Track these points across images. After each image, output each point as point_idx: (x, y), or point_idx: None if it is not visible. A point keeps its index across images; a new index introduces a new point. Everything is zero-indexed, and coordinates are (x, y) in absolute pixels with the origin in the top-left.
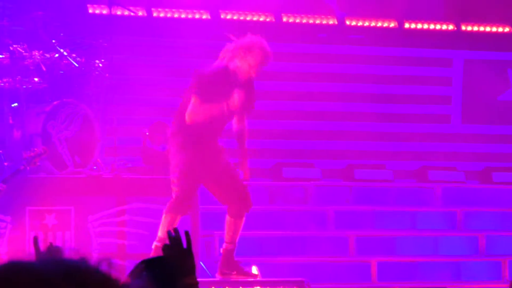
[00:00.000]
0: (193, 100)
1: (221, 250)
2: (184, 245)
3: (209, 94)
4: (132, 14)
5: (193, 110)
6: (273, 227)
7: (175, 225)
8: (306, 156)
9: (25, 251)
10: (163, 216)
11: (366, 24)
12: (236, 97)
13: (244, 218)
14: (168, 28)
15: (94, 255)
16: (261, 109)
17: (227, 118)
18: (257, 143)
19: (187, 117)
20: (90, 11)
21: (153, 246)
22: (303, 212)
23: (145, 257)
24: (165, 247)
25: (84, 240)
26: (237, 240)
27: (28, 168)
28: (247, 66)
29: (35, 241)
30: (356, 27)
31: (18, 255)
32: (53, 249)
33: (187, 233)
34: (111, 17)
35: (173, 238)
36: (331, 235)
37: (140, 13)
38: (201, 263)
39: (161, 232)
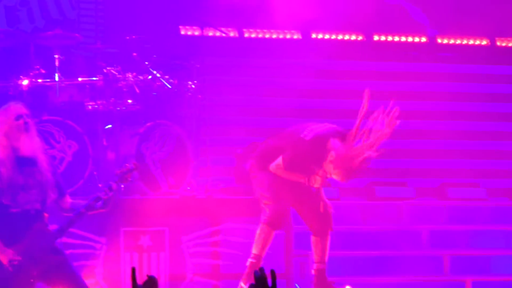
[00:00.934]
0: (280, 160)
1: (313, 271)
2: (269, 283)
3: (294, 165)
4: (223, 35)
5: (276, 169)
6: (367, 247)
7: (270, 241)
8: (399, 175)
9: (120, 273)
10: (258, 231)
11: (458, 42)
12: (317, 181)
13: (329, 237)
14: (259, 48)
15: (188, 276)
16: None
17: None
18: None
19: (270, 167)
20: (183, 32)
21: (247, 263)
22: (397, 232)
23: (239, 277)
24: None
25: (178, 261)
26: (326, 259)
27: (120, 184)
28: (329, 171)
29: (133, 272)
30: (447, 45)
31: (113, 277)
32: (150, 282)
33: (272, 272)
34: (203, 38)
35: (259, 277)
36: (425, 254)
37: (231, 34)
38: (296, 285)
39: (255, 249)
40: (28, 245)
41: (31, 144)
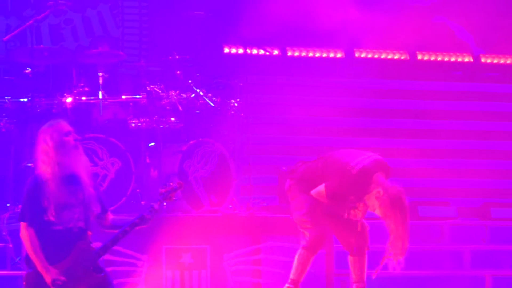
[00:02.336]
0: (322, 188)
1: None
2: None
3: (337, 196)
4: (267, 53)
5: (317, 196)
6: (409, 267)
7: (308, 266)
8: (442, 195)
9: None
10: (297, 256)
11: (502, 61)
12: (358, 214)
13: (366, 256)
14: (302, 67)
15: None
16: (399, 146)
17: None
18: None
19: (312, 193)
20: (226, 51)
21: None
22: (439, 251)
23: None
24: None
25: (220, 279)
26: (365, 278)
27: (164, 203)
28: (371, 205)
29: None
30: (491, 64)
31: None
32: None
33: None
34: (246, 57)
35: None
36: (467, 274)
37: (275, 53)
38: None
39: (293, 274)
40: (71, 264)
41: (77, 162)
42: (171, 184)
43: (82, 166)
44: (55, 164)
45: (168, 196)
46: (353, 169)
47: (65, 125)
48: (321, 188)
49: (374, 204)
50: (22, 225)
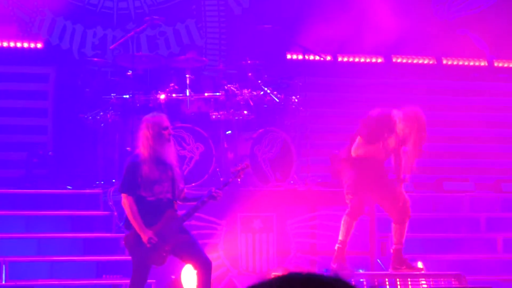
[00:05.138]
0: (358, 139)
1: (392, 250)
2: None
3: (370, 136)
4: (322, 59)
5: (357, 147)
6: (435, 230)
7: (352, 229)
8: (462, 172)
9: (237, 249)
10: (342, 221)
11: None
12: (392, 143)
13: (406, 224)
14: (350, 70)
15: (292, 252)
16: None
17: (387, 154)
18: (423, 162)
19: (352, 151)
20: (288, 57)
21: (335, 248)
22: (459, 218)
23: (332, 253)
24: None
25: (284, 240)
26: (403, 241)
27: (236, 179)
28: (408, 132)
29: None
30: (503, 68)
31: (231, 252)
32: None
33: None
34: (304, 62)
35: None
36: (482, 236)
37: (328, 58)
38: (378, 260)
39: (341, 236)
40: (161, 227)
41: (168, 149)
42: (240, 165)
43: (171, 152)
44: (151, 148)
45: (238, 174)
46: (373, 113)
47: (165, 120)
48: (358, 140)
49: (400, 129)
50: (123, 195)
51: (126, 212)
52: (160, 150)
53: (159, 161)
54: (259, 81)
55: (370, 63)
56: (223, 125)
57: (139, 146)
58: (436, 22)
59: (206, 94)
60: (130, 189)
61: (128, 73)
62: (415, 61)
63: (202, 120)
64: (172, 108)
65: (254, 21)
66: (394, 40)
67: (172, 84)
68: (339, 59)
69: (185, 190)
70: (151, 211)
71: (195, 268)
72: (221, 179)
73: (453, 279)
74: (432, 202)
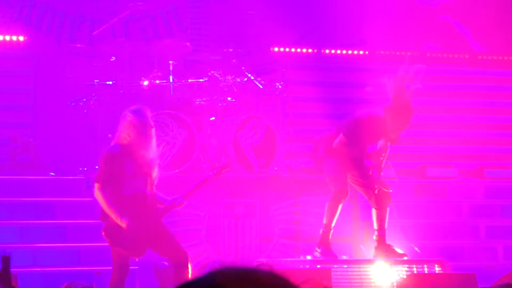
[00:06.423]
0: (341, 136)
1: (374, 237)
2: None
3: (352, 139)
4: (306, 50)
5: (338, 144)
6: (418, 217)
7: (337, 213)
8: (446, 159)
9: (220, 235)
10: (326, 206)
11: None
12: (376, 144)
13: (387, 210)
14: (331, 61)
15: (275, 239)
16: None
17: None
18: (406, 148)
19: (334, 146)
20: (273, 47)
21: (320, 232)
22: (443, 204)
23: (316, 240)
24: None
25: (267, 226)
26: (385, 227)
27: (215, 177)
28: (393, 127)
29: None
30: (486, 53)
31: (214, 238)
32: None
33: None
34: (290, 54)
35: None
36: (465, 223)
37: (310, 51)
38: (361, 246)
39: (325, 219)
40: (138, 221)
41: (148, 146)
42: (219, 165)
43: (151, 147)
44: (131, 141)
45: (218, 173)
46: (358, 115)
47: (147, 114)
48: (339, 137)
49: (385, 130)
50: (96, 185)
51: (100, 203)
52: (140, 144)
53: (138, 155)
54: (243, 68)
55: (352, 55)
56: (206, 111)
57: (118, 137)
58: (418, 9)
59: (189, 80)
60: (105, 179)
61: (112, 59)
62: (397, 53)
63: (185, 107)
64: (156, 95)
65: (240, 7)
66: (376, 33)
67: (156, 70)
68: (322, 51)
69: (155, 193)
70: (127, 205)
71: (172, 262)
72: (204, 165)
73: (436, 265)
74: (414, 188)
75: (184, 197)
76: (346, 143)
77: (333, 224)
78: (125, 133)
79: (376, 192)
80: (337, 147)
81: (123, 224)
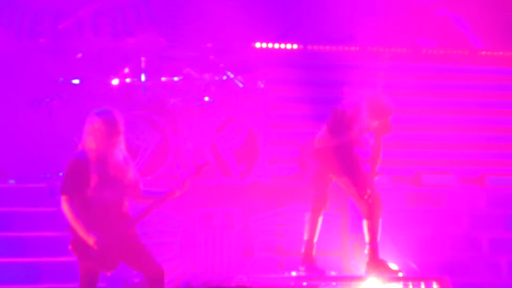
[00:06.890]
0: (324, 128)
1: (366, 251)
2: None
3: (337, 130)
4: (290, 47)
5: (320, 139)
6: (415, 228)
7: (318, 226)
8: (444, 165)
9: (196, 247)
10: (306, 218)
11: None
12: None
13: (379, 220)
14: (318, 58)
15: (256, 252)
16: (406, 124)
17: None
18: (400, 154)
19: (315, 143)
20: (254, 43)
21: (302, 250)
22: (441, 214)
23: (300, 254)
24: None
25: (248, 238)
26: (378, 239)
27: (193, 179)
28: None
29: None
30: (487, 50)
31: (189, 253)
32: None
33: None
34: (273, 51)
35: None
36: (465, 235)
37: (295, 47)
38: (351, 261)
39: (306, 235)
40: (109, 232)
41: (117, 149)
42: (198, 164)
43: (121, 152)
44: (98, 147)
45: (197, 174)
46: (340, 106)
47: (117, 118)
48: (323, 129)
49: (366, 118)
50: (63, 197)
51: (67, 216)
52: (109, 149)
53: (107, 161)
54: (222, 65)
55: (342, 51)
56: (181, 112)
57: (85, 142)
58: (413, 2)
59: (163, 78)
60: (72, 190)
61: (78, 56)
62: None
63: (158, 108)
64: (126, 94)
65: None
66: (368, 29)
67: (126, 68)
68: (308, 47)
69: (142, 188)
70: (97, 215)
71: (147, 277)
72: (179, 171)
73: (434, 282)
74: (409, 197)
75: (169, 195)
76: (328, 136)
77: (315, 240)
78: (91, 138)
79: (366, 197)
80: (320, 144)
81: (90, 240)
